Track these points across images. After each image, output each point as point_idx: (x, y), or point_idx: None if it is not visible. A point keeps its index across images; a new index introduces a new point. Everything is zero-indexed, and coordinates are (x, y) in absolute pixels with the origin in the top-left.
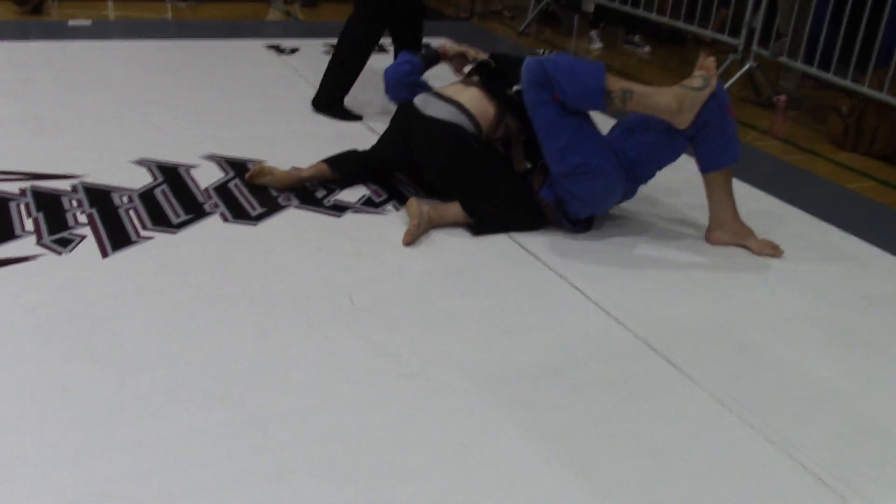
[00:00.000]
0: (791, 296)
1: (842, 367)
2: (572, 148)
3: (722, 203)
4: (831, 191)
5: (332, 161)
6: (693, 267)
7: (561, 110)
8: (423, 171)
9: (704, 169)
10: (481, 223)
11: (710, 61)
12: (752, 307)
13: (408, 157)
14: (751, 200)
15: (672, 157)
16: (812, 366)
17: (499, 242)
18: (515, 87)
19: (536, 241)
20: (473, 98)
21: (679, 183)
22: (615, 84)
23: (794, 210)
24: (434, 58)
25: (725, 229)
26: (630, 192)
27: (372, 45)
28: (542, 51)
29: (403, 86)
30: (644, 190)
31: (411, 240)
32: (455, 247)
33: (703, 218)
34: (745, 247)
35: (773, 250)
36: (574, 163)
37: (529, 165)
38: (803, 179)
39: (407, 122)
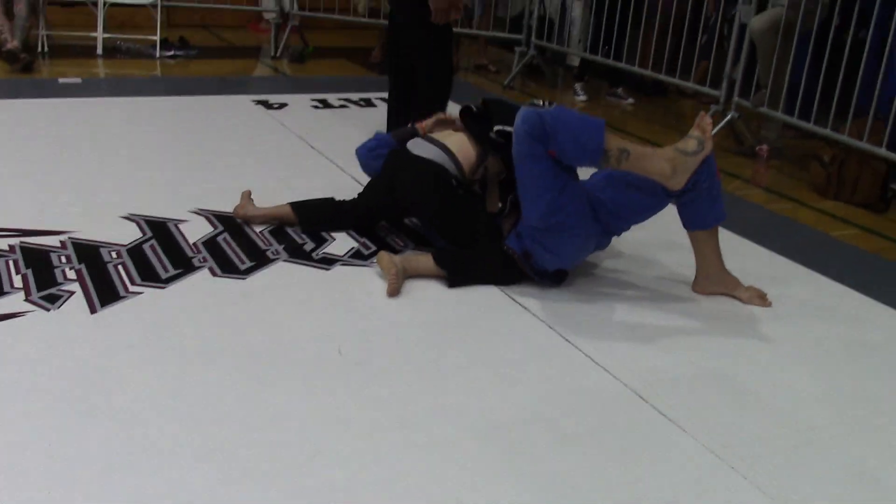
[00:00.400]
0: (781, 343)
1: (835, 415)
2: (554, 206)
3: (708, 257)
4: (816, 238)
5: (297, 206)
6: (682, 316)
7: (552, 166)
8: (408, 211)
9: (691, 228)
10: (454, 276)
11: (707, 122)
12: (743, 355)
13: (393, 202)
14: (737, 249)
15: (652, 214)
16: (805, 414)
17: (487, 292)
18: (497, 128)
19: (524, 291)
20: (458, 141)
21: (664, 232)
22: (613, 143)
23: (779, 258)
24: (411, 134)
25: (712, 279)
26: (603, 243)
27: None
28: (541, 102)
29: (375, 157)
30: (629, 240)
31: (394, 290)
32: (443, 298)
33: (688, 268)
34: (732, 296)
35: (761, 300)
36: (553, 221)
37: (500, 205)
38: (788, 228)
39: (394, 164)
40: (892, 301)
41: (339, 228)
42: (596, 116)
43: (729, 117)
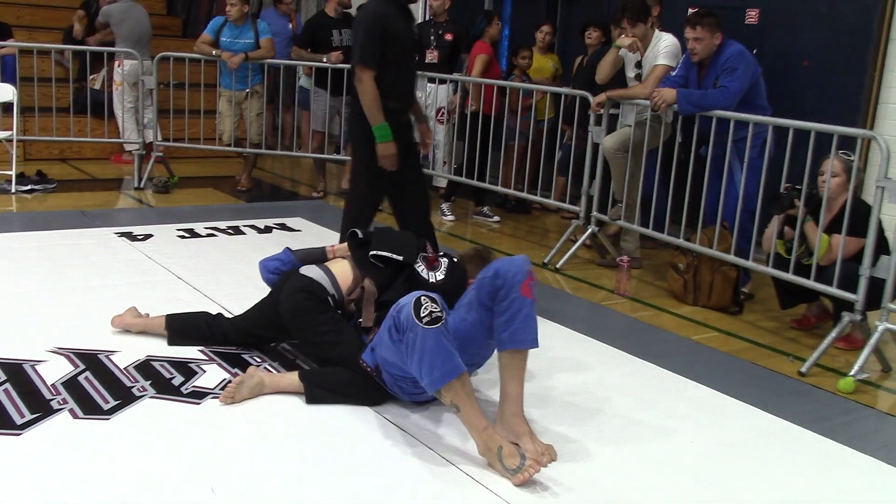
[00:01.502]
0: (656, 448)
1: None
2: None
3: (506, 393)
4: (679, 343)
5: (172, 320)
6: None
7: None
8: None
9: (498, 347)
10: (313, 391)
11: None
12: (617, 463)
13: (278, 316)
14: (606, 358)
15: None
16: None
17: (365, 414)
18: (372, 252)
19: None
20: (341, 265)
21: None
22: (448, 396)
23: (645, 365)
24: (319, 258)
25: (504, 424)
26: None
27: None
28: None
29: (274, 276)
30: None
31: (229, 395)
32: (317, 422)
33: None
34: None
35: (539, 458)
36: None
37: (372, 325)
38: (652, 335)
39: (282, 281)
40: (753, 400)
41: (209, 342)
42: (454, 363)
43: (589, 231)
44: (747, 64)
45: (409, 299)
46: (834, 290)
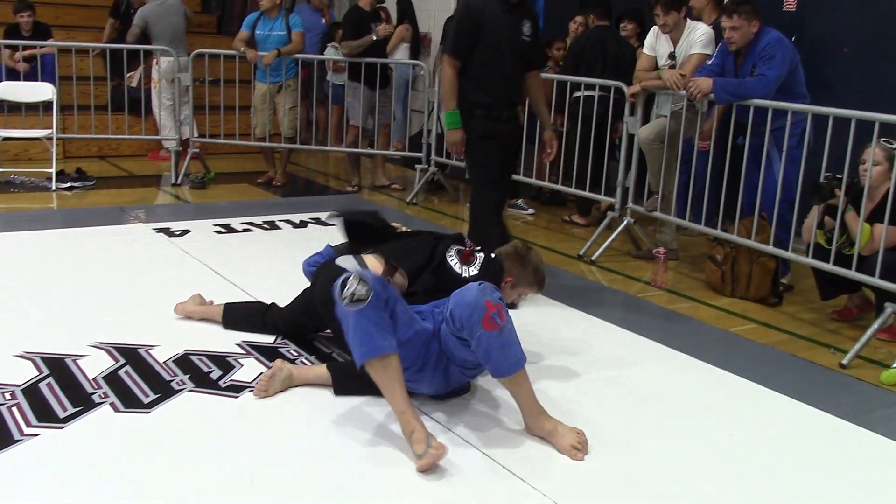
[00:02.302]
0: (696, 443)
1: None
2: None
3: (519, 405)
4: (717, 335)
5: (227, 307)
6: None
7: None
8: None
9: (494, 375)
10: (340, 382)
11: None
12: (657, 453)
13: (313, 308)
14: (643, 351)
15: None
16: None
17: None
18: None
19: (440, 407)
20: (374, 257)
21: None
22: (372, 373)
23: (683, 357)
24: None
25: (530, 424)
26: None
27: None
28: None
29: (313, 268)
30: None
31: (262, 388)
32: (354, 415)
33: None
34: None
35: (575, 453)
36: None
37: None
38: (689, 327)
39: (318, 273)
40: (793, 392)
41: (262, 331)
42: (375, 343)
43: (625, 223)
44: (785, 51)
45: (461, 295)
46: (876, 281)
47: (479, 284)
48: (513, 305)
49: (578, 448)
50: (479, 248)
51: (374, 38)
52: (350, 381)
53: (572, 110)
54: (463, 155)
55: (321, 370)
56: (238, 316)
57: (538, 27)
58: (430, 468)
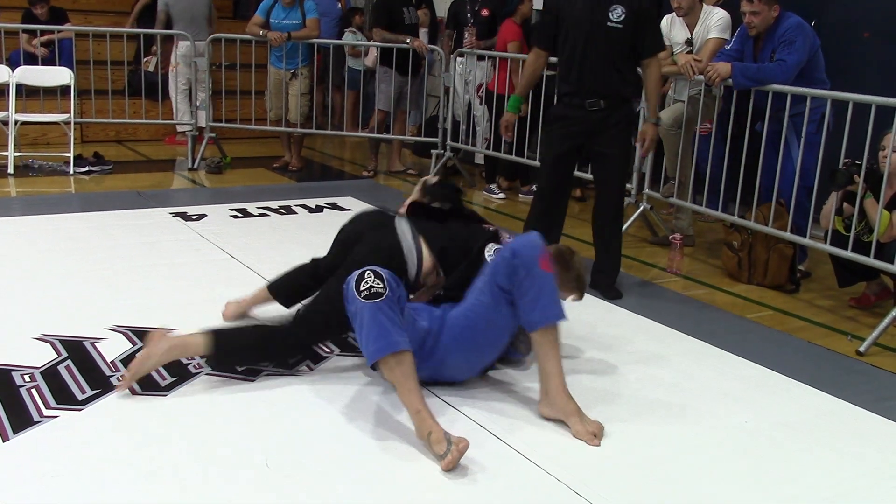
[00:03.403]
0: (712, 429)
1: (761, 497)
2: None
3: (546, 371)
4: (733, 322)
5: (275, 288)
6: (608, 405)
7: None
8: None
9: (528, 328)
10: (218, 354)
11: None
12: (673, 441)
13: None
14: (659, 337)
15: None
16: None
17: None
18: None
19: (454, 392)
20: (429, 253)
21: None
22: (385, 371)
23: (699, 343)
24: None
25: (549, 402)
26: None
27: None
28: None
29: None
30: None
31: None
32: (374, 402)
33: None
34: (566, 424)
35: (592, 438)
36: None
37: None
38: (706, 313)
39: (371, 224)
40: (809, 380)
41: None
42: (389, 339)
43: (641, 209)
44: (805, 36)
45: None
46: (895, 268)
47: (536, 233)
48: None
49: (595, 434)
50: None
51: (407, 42)
52: (230, 353)
53: None
54: (509, 136)
55: (199, 340)
56: (289, 292)
57: (643, 12)
58: (455, 465)
